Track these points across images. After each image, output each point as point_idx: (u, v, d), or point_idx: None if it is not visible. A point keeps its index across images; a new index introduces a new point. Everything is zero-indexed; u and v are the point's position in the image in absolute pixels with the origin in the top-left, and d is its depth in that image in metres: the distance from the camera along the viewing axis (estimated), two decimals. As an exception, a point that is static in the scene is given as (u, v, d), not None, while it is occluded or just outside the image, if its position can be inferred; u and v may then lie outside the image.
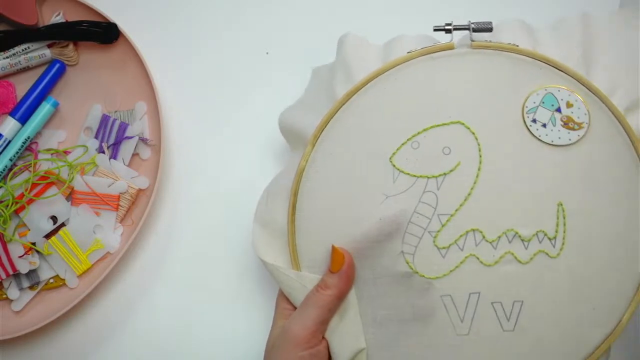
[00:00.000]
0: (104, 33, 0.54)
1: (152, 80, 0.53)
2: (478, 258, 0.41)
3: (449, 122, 0.42)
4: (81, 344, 0.53)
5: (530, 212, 0.41)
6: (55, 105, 0.55)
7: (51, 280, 0.53)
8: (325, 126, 0.44)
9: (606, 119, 0.42)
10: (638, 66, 0.42)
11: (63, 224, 0.53)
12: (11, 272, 0.52)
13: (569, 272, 0.40)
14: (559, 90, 0.42)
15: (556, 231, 0.41)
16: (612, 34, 0.44)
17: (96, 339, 0.54)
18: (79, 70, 0.56)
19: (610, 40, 0.43)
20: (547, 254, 0.41)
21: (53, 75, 0.55)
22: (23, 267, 0.52)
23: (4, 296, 0.53)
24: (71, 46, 0.55)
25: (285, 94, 0.53)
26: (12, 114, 0.54)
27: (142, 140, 0.54)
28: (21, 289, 0.53)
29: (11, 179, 0.53)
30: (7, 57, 0.55)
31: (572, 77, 0.42)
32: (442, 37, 0.44)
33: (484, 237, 0.41)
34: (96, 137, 0.54)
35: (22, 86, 0.55)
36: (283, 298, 0.44)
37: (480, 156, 0.41)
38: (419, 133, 0.42)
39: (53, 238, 0.53)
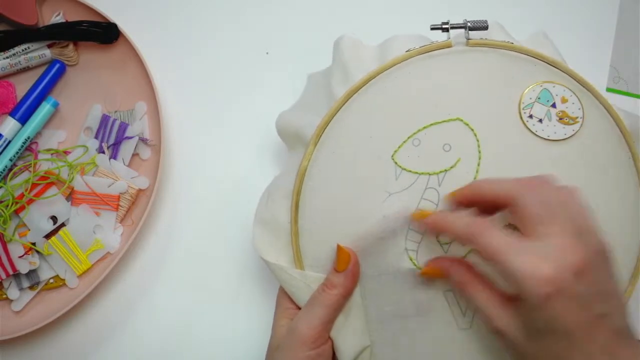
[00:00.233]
0: (104, 33, 0.54)
1: (152, 80, 0.53)
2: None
3: (448, 119, 0.42)
4: (81, 344, 0.53)
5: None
6: (55, 106, 0.55)
7: (51, 281, 0.53)
8: (327, 126, 0.44)
9: (599, 113, 0.42)
10: None
11: (63, 224, 0.53)
12: (11, 272, 0.52)
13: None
14: (553, 86, 0.42)
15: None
16: None
17: (96, 339, 0.53)
18: (79, 70, 0.56)
19: None
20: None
21: (53, 75, 0.55)
22: (23, 267, 0.52)
23: (4, 296, 0.53)
24: (71, 46, 0.55)
25: (286, 93, 0.53)
26: (12, 114, 0.54)
27: (142, 140, 0.54)
28: (21, 289, 0.53)
29: (11, 179, 0.53)
30: (7, 57, 0.55)
31: (566, 72, 0.43)
32: (436, 37, 0.45)
33: (484, 232, 0.41)
34: (96, 137, 0.54)
35: (22, 86, 0.55)
36: (285, 297, 0.44)
37: (479, 152, 0.42)
38: (419, 130, 0.42)
39: (53, 238, 0.52)
